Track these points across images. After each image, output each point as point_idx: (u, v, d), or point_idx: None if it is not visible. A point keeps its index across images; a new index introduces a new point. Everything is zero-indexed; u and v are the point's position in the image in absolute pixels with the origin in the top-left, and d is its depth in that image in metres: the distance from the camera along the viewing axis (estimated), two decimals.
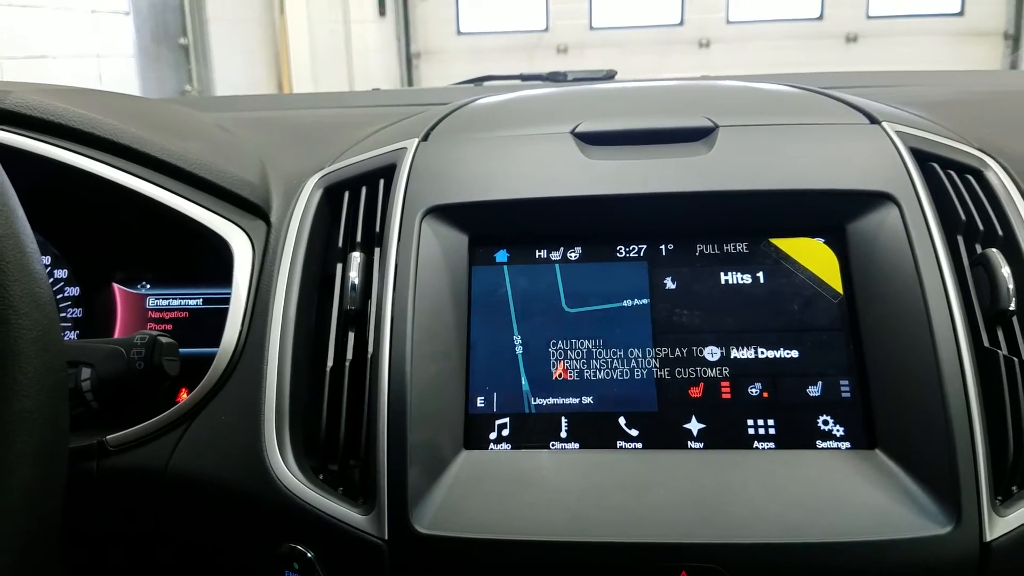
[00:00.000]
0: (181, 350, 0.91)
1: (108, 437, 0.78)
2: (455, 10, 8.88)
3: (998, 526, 0.67)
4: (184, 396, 0.81)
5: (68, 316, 1.00)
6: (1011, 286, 0.74)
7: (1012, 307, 0.74)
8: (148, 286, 0.98)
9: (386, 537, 0.70)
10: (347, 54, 8.02)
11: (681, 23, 8.61)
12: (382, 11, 8.41)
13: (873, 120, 0.87)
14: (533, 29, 8.72)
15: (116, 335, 0.97)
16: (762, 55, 8.23)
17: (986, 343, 0.74)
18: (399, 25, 8.78)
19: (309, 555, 0.73)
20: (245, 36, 7.19)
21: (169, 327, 0.96)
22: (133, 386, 0.75)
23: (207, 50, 6.58)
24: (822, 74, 1.41)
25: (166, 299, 0.97)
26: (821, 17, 8.46)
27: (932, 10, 8.27)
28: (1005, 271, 0.75)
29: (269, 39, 7.50)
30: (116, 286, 0.99)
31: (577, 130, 0.86)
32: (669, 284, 0.79)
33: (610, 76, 1.61)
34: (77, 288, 1.00)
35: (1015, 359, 0.73)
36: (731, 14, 8.56)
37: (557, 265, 0.81)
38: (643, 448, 0.74)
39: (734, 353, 0.77)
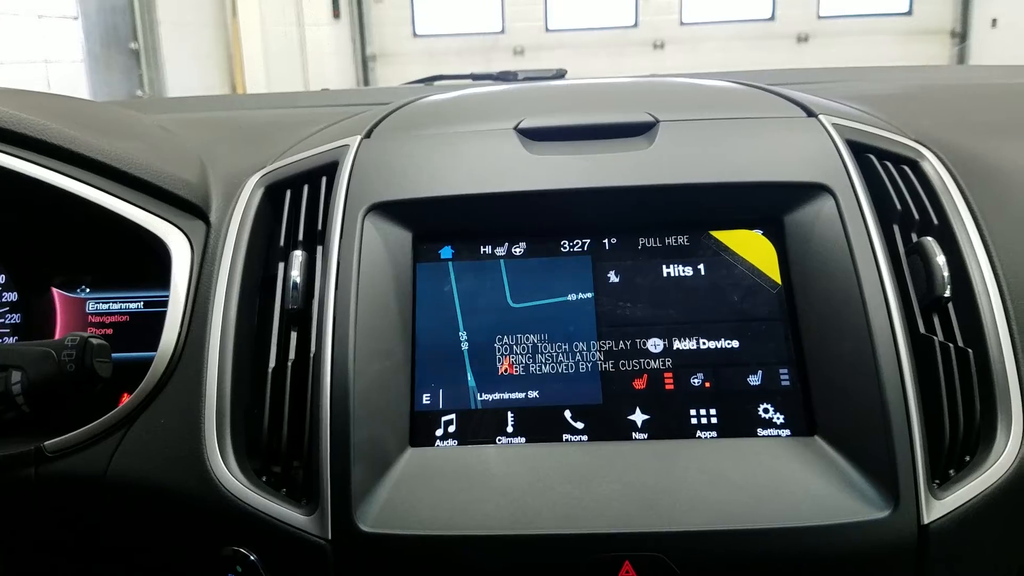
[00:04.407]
0: (122, 354, 0.90)
1: (46, 443, 0.76)
2: (411, 12, 8.86)
3: (935, 509, 0.68)
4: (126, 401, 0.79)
5: (7, 321, 0.97)
6: (946, 273, 0.76)
7: (947, 294, 0.75)
8: (88, 290, 0.96)
9: (329, 537, 0.70)
10: (302, 57, 7.96)
11: (635, 25, 8.68)
12: (336, 13, 8.36)
13: (810, 113, 0.88)
14: (489, 31, 8.73)
15: None
16: (715, 56, 8.32)
17: (922, 330, 0.75)
18: (354, 27, 8.74)
19: (252, 558, 0.72)
20: (197, 40, 7.11)
21: (109, 331, 0.94)
22: (65, 389, 0.73)
23: (158, 54, 6.49)
24: (769, 71, 1.43)
25: (106, 303, 0.95)
26: (773, 18, 8.58)
27: (881, 10, 8.42)
28: (940, 259, 0.76)
29: (222, 42, 7.42)
30: (55, 290, 0.97)
31: (520, 126, 0.87)
32: (613, 278, 0.80)
33: (560, 75, 1.62)
34: (15, 293, 0.98)
35: (950, 345, 0.74)
36: (685, 15, 8.65)
37: (502, 261, 0.81)
38: (588, 440, 0.75)
39: (676, 344, 0.77)
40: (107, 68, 6.06)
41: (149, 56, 6.42)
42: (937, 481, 0.71)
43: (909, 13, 8.46)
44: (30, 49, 5.16)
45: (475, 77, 1.72)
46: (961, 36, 8.32)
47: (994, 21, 8.00)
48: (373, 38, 8.91)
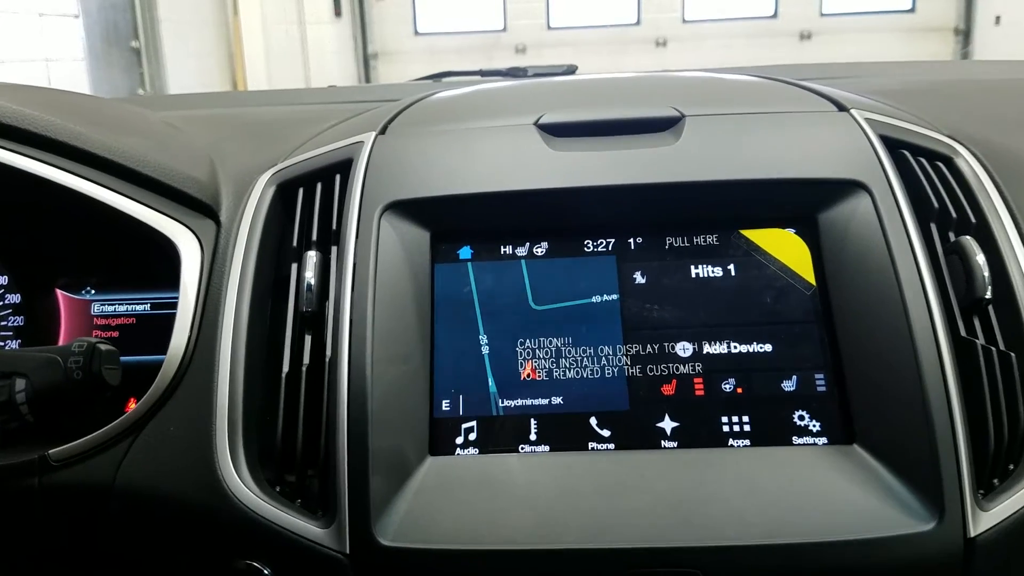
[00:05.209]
0: (129, 358, 0.87)
1: (51, 451, 0.73)
2: (412, 10, 8.84)
3: (982, 521, 0.65)
4: (133, 407, 0.77)
5: (10, 324, 0.95)
6: (986, 274, 0.72)
7: (988, 295, 0.72)
8: (93, 291, 0.93)
9: (347, 551, 0.67)
10: (303, 55, 7.94)
11: (638, 22, 8.66)
12: (338, 11, 8.34)
13: (841, 107, 0.85)
14: (491, 29, 8.71)
15: (60, 343, 0.92)
16: (718, 53, 8.31)
17: (963, 332, 0.72)
18: (355, 26, 8.72)
19: (266, 572, 0.69)
20: (198, 38, 7.09)
21: (115, 334, 0.91)
22: (71, 397, 0.70)
23: (159, 52, 6.47)
24: (783, 66, 1.40)
25: (112, 305, 0.92)
26: (775, 15, 8.56)
27: (884, 7, 8.40)
28: (980, 259, 0.73)
29: (223, 41, 7.40)
30: (59, 292, 0.94)
31: (541, 121, 0.84)
32: (639, 279, 0.77)
33: (571, 71, 1.59)
34: (18, 295, 0.95)
35: (992, 348, 0.71)
36: (687, 13, 8.64)
37: (523, 261, 0.78)
38: (615, 449, 0.72)
39: (706, 348, 0.74)
40: (108, 66, 6.04)
41: (150, 54, 6.39)
42: (982, 491, 0.68)
43: (912, 10, 8.45)
44: (31, 47, 5.14)
45: (484, 73, 1.69)
46: (965, 33, 8.30)
47: (998, 18, 7.98)
48: (374, 36, 8.89)
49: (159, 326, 0.88)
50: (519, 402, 0.74)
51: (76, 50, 5.65)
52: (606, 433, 0.72)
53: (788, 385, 0.73)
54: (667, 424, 0.72)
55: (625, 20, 8.65)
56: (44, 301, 0.94)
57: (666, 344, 0.75)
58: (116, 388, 0.76)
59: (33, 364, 0.69)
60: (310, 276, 0.76)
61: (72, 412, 0.74)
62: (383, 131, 0.86)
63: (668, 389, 0.73)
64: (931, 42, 8.35)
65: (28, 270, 0.95)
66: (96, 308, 0.93)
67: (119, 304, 0.93)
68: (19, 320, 0.94)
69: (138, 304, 0.92)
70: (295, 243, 0.80)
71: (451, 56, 8.45)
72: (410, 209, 0.78)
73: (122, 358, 0.79)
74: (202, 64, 7.13)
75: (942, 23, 8.40)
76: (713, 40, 8.48)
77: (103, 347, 0.71)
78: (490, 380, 0.74)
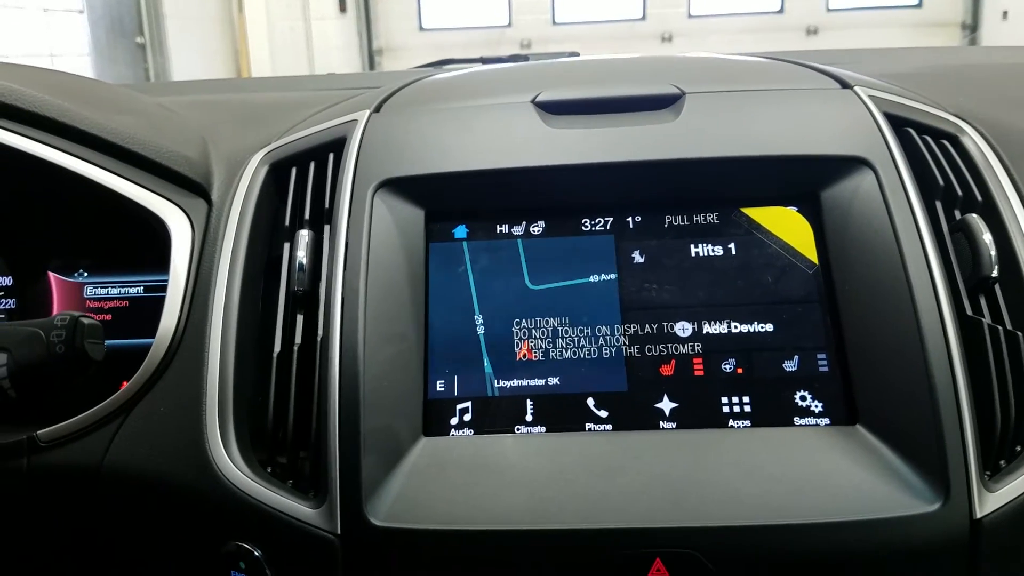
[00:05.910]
0: (122, 341, 0.86)
1: (39, 432, 0.72)
2: (417, 6, 8.83)
3: (988, 502, 0.64)
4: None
5: (1, 307, 0.93)
6: (993, 252, 0.71)
7: (994, 274, 0.71)
8: (85, 274, 0.92)
9: (339, 531, 0.66)
10: (308, 51, 7.94)
11: (643, 17, 8.64)
12: (343, 7, 8.33)
13: (845, 85, 0.83)
14: (496, 24, 8.70)
15: None
16: (724, 48, 8.23)
17: (969, 312, 0.70)
18: (360, 21, 8.71)
19: (256, 553, 0.67)
20: (203, 34, 7.09)
21: (108, 317, 0.90)
22: (54, 371, 0.68)
23: (164, 49, 6.47)
24: (785, 52, 1.38)
25: (105, 287, 0.91)
26: (782, 10, 8.54)
27: (891, 2, 8.37)
28: (987, 237, 0.72)
29: (228, 37, 7.40)
30: (52, 274, 0.93)
31: (538, 99, 0.82)
32: (637, 258, 0.75)
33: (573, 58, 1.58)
34: (9, 277, 0.94)
35: (999, 327, 0.69)
36: (693, 8, 8.62)
37: (519, 240, 0.77)
38: (613, 430, 0.70)
39: (706, 328, 0.73)
40: (113, 62, 6.04)
41: (155, 50, 6.40)
42: (988, 473, 0.66)
43: (919, 5, 8.42)
44: (35, 43, 5.15)
45: (485, 60, 1.68)
46: (972, 28, 8.26)
47: (1005, 13, 7.94)
48: (379, 32, 8.88)
49: (152, 308, 0.87)
50: (515, 382, 0.72)
51: (81, 45, 5.65)
52: (603, 414, 0.71)
53: (790, 365, 0.71)
54: (666, 405, 0.71)
55: (630, 15, 8.63)
56: (36, 283, 0.93)
57: (665, 324, 0.73)
58: (110, 370, 0.74)
59: (15, 338, 0.68)
60: (302, 255, 0.75)
61: (56, 390, 0.72)
62: (377, 109, 0.84)
63: (667, 369, 0.72)
64: (938, 37, 8.31)
65: (20, 251, 0.94)
66: (89, 291, 0.92)
67: (112, 287, 0.91)
68: (10, 303, 0.93)
69: (131, 287, 0.91)
70: (287, 222, 0.79)
71: (456, 51, 8.37)
72: (404, 187, 0.76)
73: (116, 341, 0.77)
74: (207, 60, 7.13)
75: (949, 18, 8.37)
76: (719, 35, 8.46)
77: (86, 321, 0.69)
78: (485, 360, 0.73)
